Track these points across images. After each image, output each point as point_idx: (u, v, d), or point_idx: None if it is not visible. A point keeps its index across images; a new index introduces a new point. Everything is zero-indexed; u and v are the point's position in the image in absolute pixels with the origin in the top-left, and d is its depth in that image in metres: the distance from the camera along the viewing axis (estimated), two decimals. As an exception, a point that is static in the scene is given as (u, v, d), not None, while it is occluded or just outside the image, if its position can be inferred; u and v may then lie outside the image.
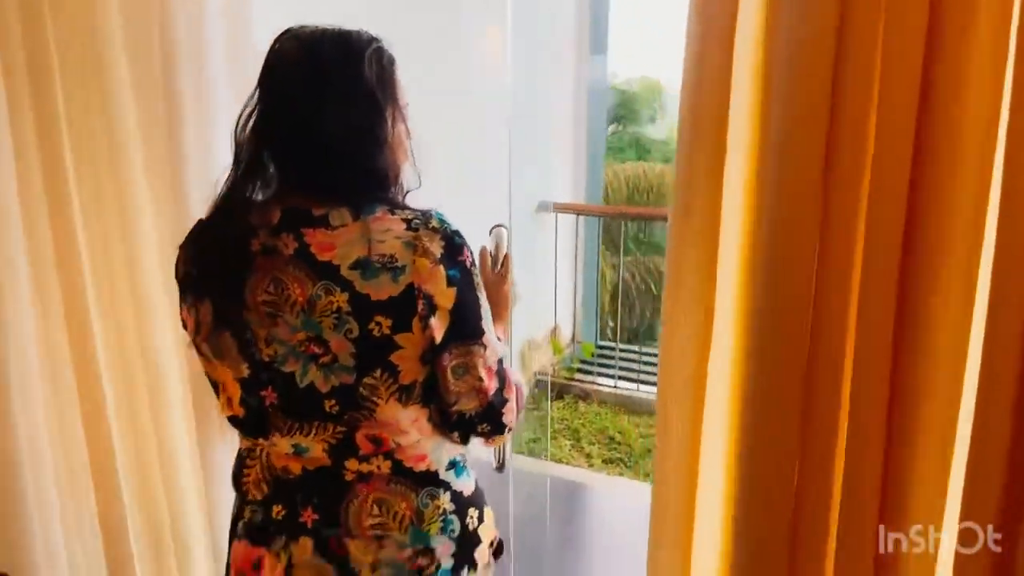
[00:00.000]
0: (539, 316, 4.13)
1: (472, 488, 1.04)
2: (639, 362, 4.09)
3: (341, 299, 0.89)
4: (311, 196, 0.93)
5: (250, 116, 0.94)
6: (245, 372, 0.94)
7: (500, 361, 0.98)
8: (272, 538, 0.97)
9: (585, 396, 3.97)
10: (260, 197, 0.95)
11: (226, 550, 1.06)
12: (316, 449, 0.95)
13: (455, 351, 0.93)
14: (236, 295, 0.92)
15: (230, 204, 0.94)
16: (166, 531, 1.36)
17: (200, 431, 1.38)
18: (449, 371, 0.94)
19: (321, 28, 0.94)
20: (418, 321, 0.90)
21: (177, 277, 0.98)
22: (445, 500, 0.99)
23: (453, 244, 0.93)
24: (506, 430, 1.01)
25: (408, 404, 0.95)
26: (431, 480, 0.98)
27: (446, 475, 1.00)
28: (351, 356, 0.91)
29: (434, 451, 0.99)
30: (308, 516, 0.96)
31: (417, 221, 0.92)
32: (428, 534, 0.97)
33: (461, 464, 1.03)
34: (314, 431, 0.95)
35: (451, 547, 0.99)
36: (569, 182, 4.37)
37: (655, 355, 4.34)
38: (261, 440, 0.98)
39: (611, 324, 4.72)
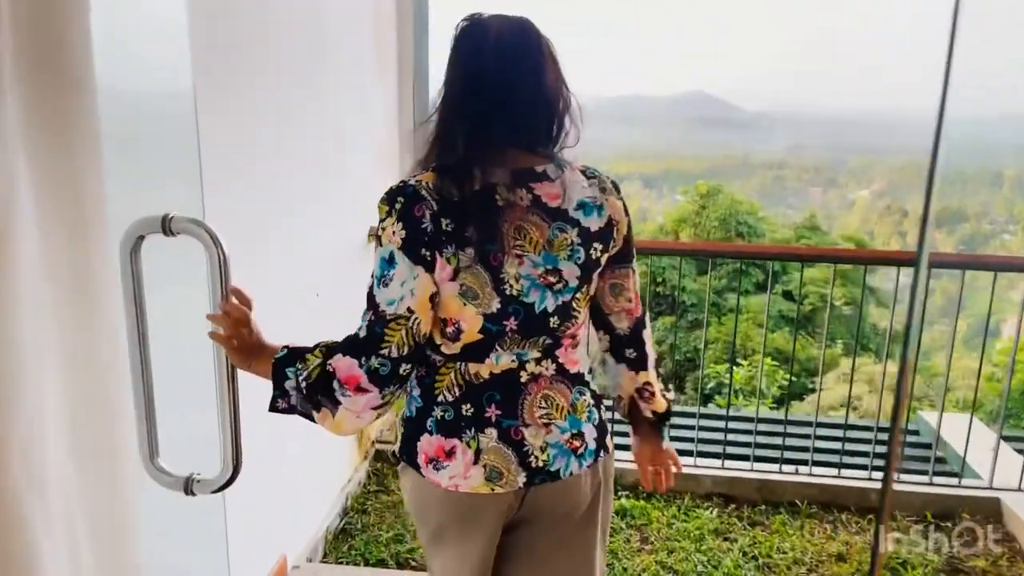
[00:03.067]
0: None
1: (597, 389, 1.32)
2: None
3: (572, 234, 1.18)
4: (526, 153, 1.17)
5: (453, 95, 1.16)
6: (495, 307, 1.15)
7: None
8: (463, 430, 1.19)
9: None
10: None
11: None
12: (532, 354, 1.21)
13: (616, 271, 1.28)
14: (495, 241, 1.12)
15: (464, 168, 1.11)
16: None
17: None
18: (608, 289, 1.29)
19: (495, 15, 1.16)
20: (612, 245, 1.24)
21: (426, 232, 1.09)
22: (588, 396, 1.28)
23: (617, 187, 1.27)
24: (647, 363, 1.38)
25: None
26: (580, 380, 1.27)
27: (587, 376, 1.29)
28: (576, 278, 1.20)
29: (582, 358, 1.28)
30: (492, 411, 1.19)
31: (590, 171, 1.25)
32: (580, 420, 1.25)
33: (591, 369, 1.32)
34: (530, 345, 1.20)
35: (594, 432, 1.27)
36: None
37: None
38: (467, 361, 1.19)
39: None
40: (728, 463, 3.23)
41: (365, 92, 3.08)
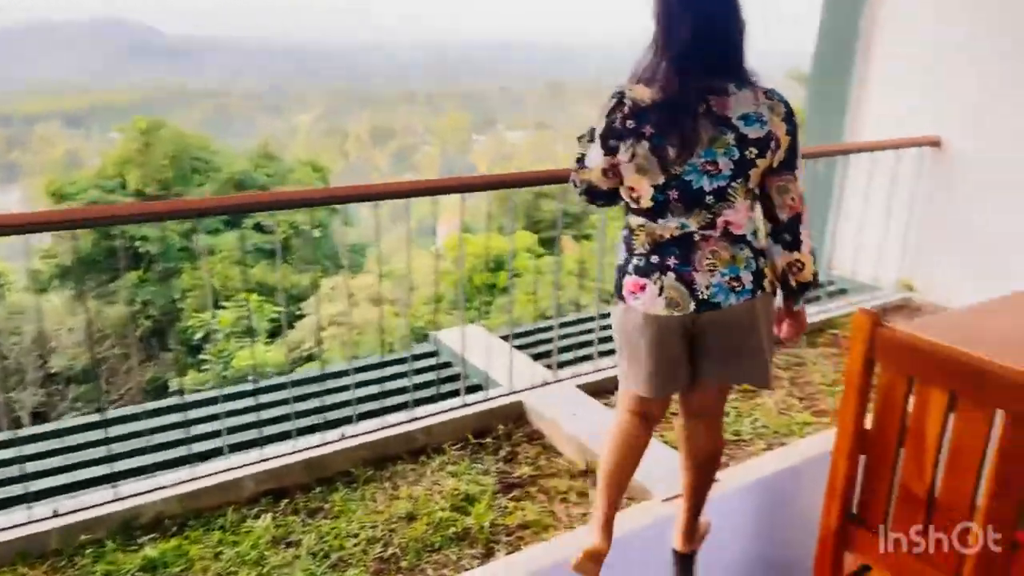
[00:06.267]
0: None
1: (760, 244, 1.75)
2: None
3: (731, 137, 1.62)
4: (715, 76, 1.63)
5: (660, 31, 1.66)
6: (660, 180, 1.65)
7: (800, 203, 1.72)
8: (650, 273, 1.72)
9: None
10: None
11: None
12: (692, 225, 1.67)
13: (783, 175, 1.69)
14: (665, 137, 1.62)
15: (680, 84, 1.62)
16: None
17: None
18: (775, 188, 1.70)
19: None
20: (770, 153, 1.64)
21: (614, 125, 1.67)
22: (747, 251, 1.71)
23: (790, 111, 1.66)
24: (801, 247, 1.73)
25: (747, 199, 1.69)
26: (742, 240, 1.70)
27: (750, 237, 1.72)
28: (730, 169, 1.63)
29: (746, 226, 1.70)
30: (672, 260, 1.70)
31: (770, 93, 1.65)
32: (738, 268, 1.70)
33: (756, 231, 1.74)
34: (692, 215, 1.67)
35: (750, 277, 1.71)
36: None
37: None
38: (651, 222, 1.70)
39: None
40: (267, 449, 2.73)
41: None
